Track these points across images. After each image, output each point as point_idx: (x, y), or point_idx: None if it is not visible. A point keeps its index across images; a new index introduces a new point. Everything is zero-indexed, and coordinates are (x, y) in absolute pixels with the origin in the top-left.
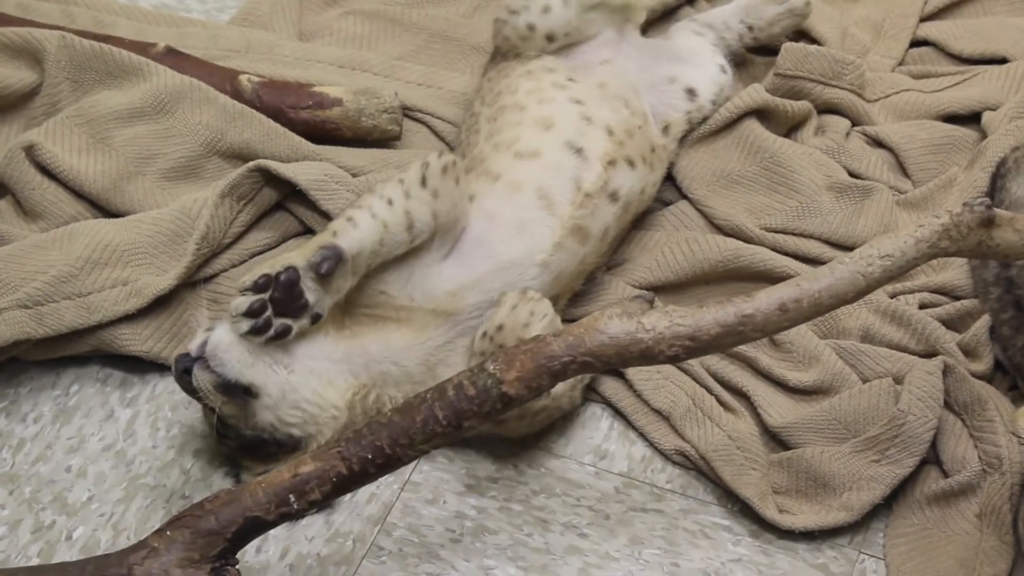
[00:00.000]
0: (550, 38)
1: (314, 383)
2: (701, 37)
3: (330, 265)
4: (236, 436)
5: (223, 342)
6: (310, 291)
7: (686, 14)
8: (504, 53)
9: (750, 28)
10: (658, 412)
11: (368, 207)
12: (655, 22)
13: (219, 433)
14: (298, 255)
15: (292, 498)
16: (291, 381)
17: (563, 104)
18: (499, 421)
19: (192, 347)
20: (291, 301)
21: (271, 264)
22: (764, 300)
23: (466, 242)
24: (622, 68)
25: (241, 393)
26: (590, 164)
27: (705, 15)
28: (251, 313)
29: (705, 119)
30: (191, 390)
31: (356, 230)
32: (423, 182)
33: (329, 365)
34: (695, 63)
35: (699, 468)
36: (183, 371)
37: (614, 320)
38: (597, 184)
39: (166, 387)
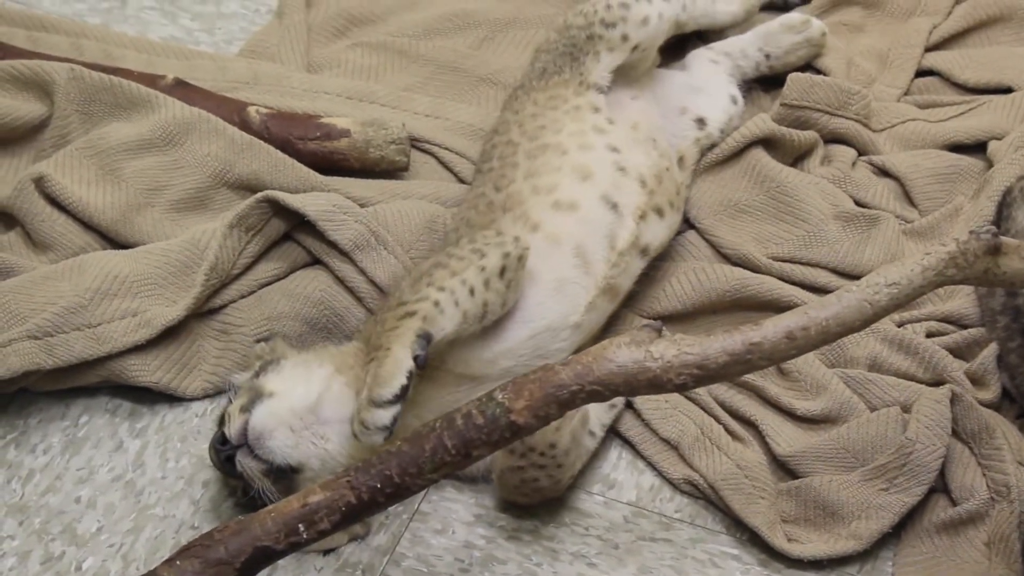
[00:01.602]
0: (636, 48)
1: (347, 447)
2: (716, 66)
3: (425, 355)
4: (273, 500)
5: (267, 428)
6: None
7: (695, 44)
8: (558, 70)
9: (767, 56)
10: (666, 442)
11: (451, 292)
12: (668, 50)
13: (253, 499)
14: (401, 349)
15: (302, 527)
16: (329, 451)
17: (601, 152)
18: (532, 491)
19: (232, 434)
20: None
21: (392, 369)
22: (771, 328)
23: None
24: (647, 103)
25: (287, 473)
26: (624, 220)
27: (722, 43)
28: (390, 426)
29: (713, 146)
30: (233, 475)
31: (443, 318)
32: (502, 273)
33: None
34: (707, 92)
35: (708, 497)
36: (225, 459)
37: (622, 349)
38: (629, 240)
39: (175, 418)
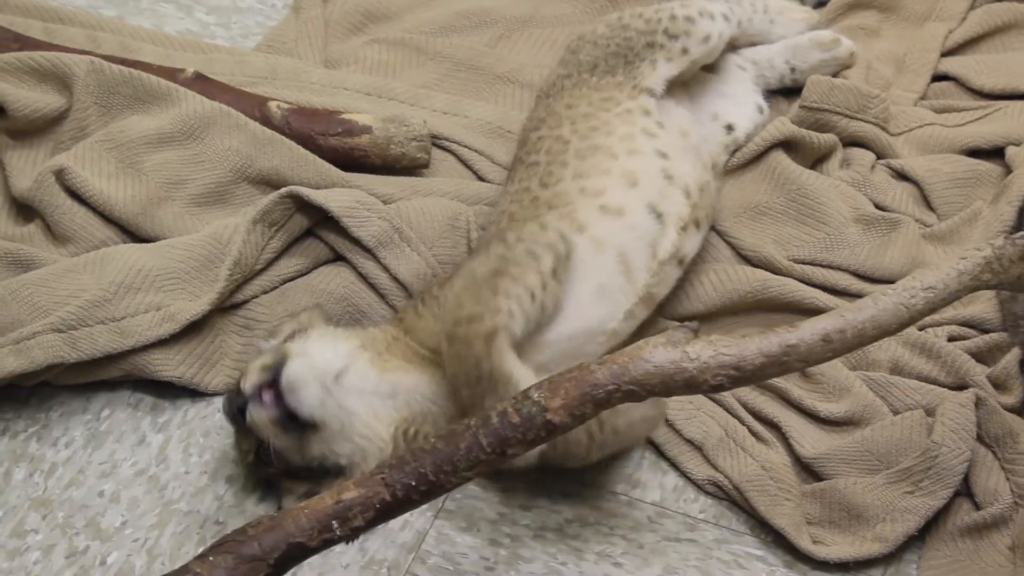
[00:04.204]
0: (693, 63)
1: (366, 417)
2: (743, 72)
3: None
4: (282, 464)
5: (300, 379)
6: None
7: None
8: (610, 70)
9: (792, 69)
10: (690, 442)
11: (517, 299)
12: None
13: (261, 461)
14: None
15: (335, 524)
16: (349, 418)
17: (650, 158)
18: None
19: (247, 387)
20: None
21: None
22: (808, 331)
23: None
24: (688, 110)
25: (303, 428)
26: (667, 231)
27: (750, 50)
28: None
29: (737, 149)
30: (241, 426)
31: (515, 327)
32: (555, 273)
33: (376, 400)
34: (736, 99)
35: (732, 498)
36: (237, 411)
37: (659, 349)
38: (670, 251)
39: (197, 412)
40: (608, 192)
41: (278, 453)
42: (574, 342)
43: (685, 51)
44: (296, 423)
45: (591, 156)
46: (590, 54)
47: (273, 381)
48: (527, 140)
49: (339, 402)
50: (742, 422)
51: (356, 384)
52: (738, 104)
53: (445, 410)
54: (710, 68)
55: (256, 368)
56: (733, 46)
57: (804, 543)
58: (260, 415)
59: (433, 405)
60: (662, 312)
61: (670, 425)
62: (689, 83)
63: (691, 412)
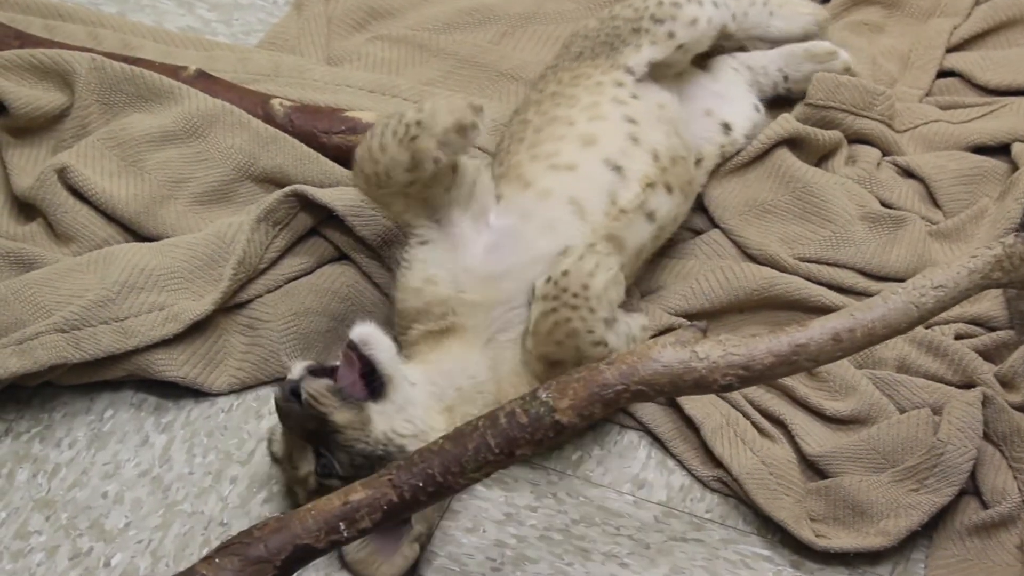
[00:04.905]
0: (680, 48)
1: (427, 401)
2: (738, 75)
3: None
4: (346, 460)
5: (372, 331)
6: None
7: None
8: (593, 56)
9: (785, 78)
10: (689, 421)
11: None
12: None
13: (322, 474)
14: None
15: (342, 526)
16: (412, 393)
17: (615, 123)
18: (565, 335)
19: (296, 371)
20: None
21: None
22: (818, 330)
23: (502, 234)
24: (674, 95)
25: (371, 387)
26: (628, 184)
27: (745, 55)
28: None
29: (737, 152)
30: (292, 411)
31: None
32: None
33: (422, 389)
34: (731, 99)
35: (736, 494)
36: (290, 392)
37: (667, 349)
38: (634, 202)
39: (201, 413)
40: (560, 154)
41: (340, 444)
42: (538, 268)
43: (671, 35)
44: (370, 382)
45: (547, 127)
46: (580, 46)
47: (320, 368)
48: (501, 134)
49: (403, 372)
50: (747, 417)
51: (418, 377)
52: (732, 103)
53: (477, 381)
54: (704, 67)
55: (300, 361)
56: (728, 45)
57: (806, 534)
58: (317, 385)
59: (466, 379)
60: (666, 307)
61: (671, 402)
62: (681, 78)
63: (695, 396)
